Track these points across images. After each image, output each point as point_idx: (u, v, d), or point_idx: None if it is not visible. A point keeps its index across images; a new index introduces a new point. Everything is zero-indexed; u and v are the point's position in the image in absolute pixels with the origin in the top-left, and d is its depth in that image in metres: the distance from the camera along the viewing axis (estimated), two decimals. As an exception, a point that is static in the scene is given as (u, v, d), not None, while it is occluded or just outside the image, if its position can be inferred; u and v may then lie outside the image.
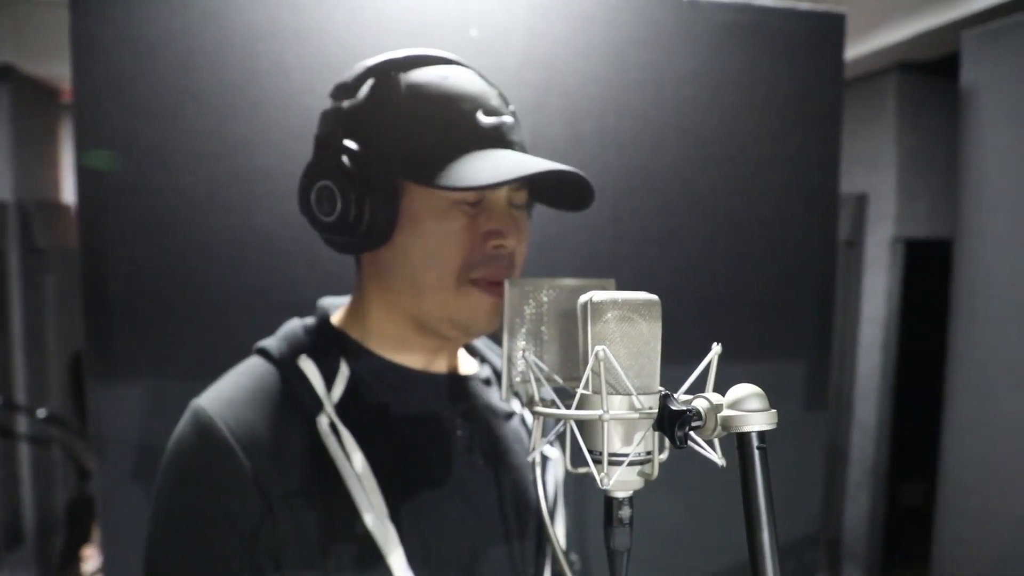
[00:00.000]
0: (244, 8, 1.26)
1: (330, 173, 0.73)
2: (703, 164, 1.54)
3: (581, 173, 0.72)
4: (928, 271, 2.53)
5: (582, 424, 0.57)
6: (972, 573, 1.81)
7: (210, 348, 1.30)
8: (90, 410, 1.29)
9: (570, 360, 0.71)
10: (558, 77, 1.42)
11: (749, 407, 0.48)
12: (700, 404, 0.50)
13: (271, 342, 0.82)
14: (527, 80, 1.40)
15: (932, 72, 2.53)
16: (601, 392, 0.54)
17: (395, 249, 0.76)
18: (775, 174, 1.61)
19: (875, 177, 2.70)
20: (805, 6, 1.59)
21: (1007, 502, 1.70)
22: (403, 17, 1.33)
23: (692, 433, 0.50)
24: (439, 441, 0.81)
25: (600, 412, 0.53)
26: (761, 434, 0.48)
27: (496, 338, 0.80)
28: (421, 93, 0.74)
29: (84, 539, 2.93)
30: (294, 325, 0.85)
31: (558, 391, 0.63)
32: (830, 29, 1.62)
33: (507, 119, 0.76)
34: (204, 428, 0.74)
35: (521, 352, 0.70)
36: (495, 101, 0.77)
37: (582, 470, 0.57)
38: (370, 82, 0.76)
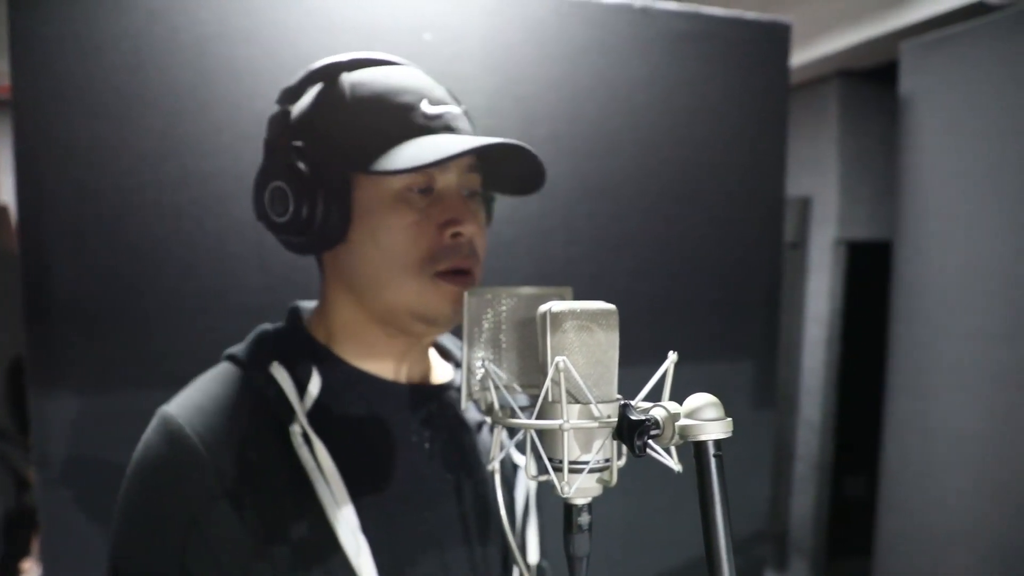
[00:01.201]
0: (193, 8, 1.24)
1: (281, 174, 0.74)
2: (655, 169, 1.57)
3: (526, 146, 0.73)
4: (870, 272, 2.62)
5: (542, 433, 0.58)
6: (912, 563, 1.88)
7: (158, 356, 1.27)
8: (32, 419, 1.25)
9: (529, 368, 0.71)
10: (512, 82, 1.43)
11: (706, 416, 0.49)
12: (658, 413, 0.52)
13: (241, 348, 0.81)
14: (481, 85, 1.40)
15: (872, 80, 2.62)
16: (561, 402, 0.55)
17: (352, 246, 0.76)
18: (724, 178, 1.65)
19: (818, 181, 2.78)
20: (752, 16, 1.63)
21: (944, 496, 1.77)
22: (356, 20, 1.32)
23: (650, 442, 0.51)
24: (409, 452, 0.81)
25: (560, 422, 0.54)
26: (717, 442, 0.49)
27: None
28: (365, 89, 0.75)
29: (23, 552, 2.82)
30: (264, 330, 0.83)
31: (518, 399, 0.64)
32: (776, 38, 1.66)
33: (453, 108, 0.76)
34: (173, 435, 0.72)
35: (480, 361, 0.71)
36: (440, 93, 0.78)
37: (542, 478, 0.58)
38: (315, 84, 0.76)
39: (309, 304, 0.88)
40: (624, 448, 0.56)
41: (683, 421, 0.50)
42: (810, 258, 2.86)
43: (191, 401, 0.76)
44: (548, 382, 0.56)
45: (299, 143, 0.73)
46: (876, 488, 2.00)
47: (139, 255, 1.25)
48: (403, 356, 0.83)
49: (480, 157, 0.78)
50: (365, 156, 0.72)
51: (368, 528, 0.74)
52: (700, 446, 0.49)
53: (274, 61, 1.28)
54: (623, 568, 1.63)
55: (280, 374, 0.77)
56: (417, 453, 0.81)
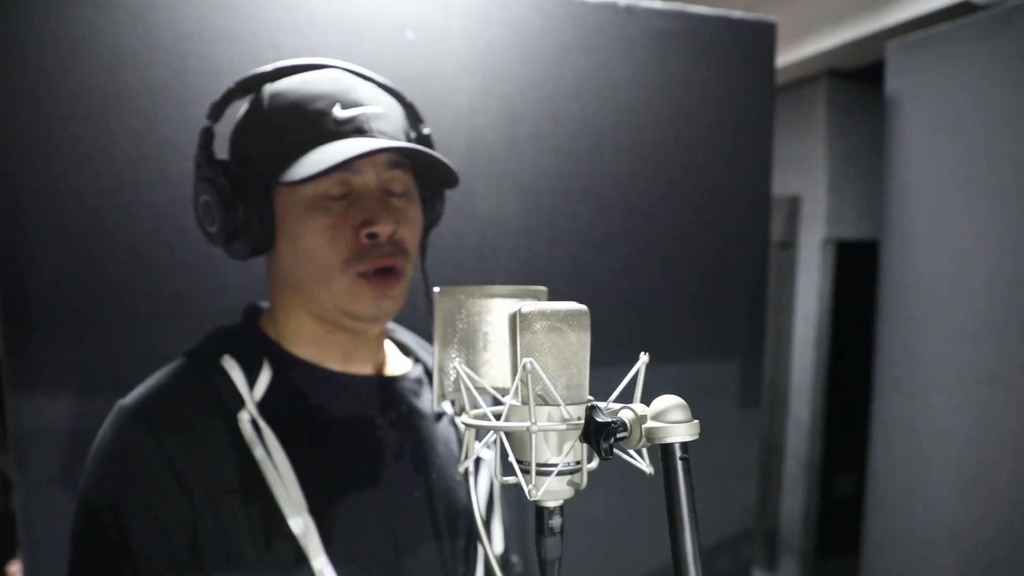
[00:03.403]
0: (173, 7, 1.23)
1: (207, 188, 0.77)
2: (639, 168, 1.57)
3: (419, 148, 0.74)
4: (858, 272, 2.62)
5: (511, 435, 0.57)
6: (899, 562, 1.88)
7: (136, 357, 1.26)
8: (9, 423, 1.23)
9: (502, 368, 0.71)
10: (495, 82, 1.42)
11: (672, 419, 0.49)
12: (625, 415, 0.51)
13: (195, 344, 0.85)
14: (464, 85, 1.39)
15: (860, 79, 2.62)
16: (530, 404, 0.54)
17: (279, 252, 0.80)
18: (709, 178, 1.65)
19: (807, 180, 2.78)
20: (738, 14, 1.63)
21: (931, 495, 1.77)
22: (336, 19, 1.31)
23: (618, 444, 0.51)
24: (360, 442, 0.82)
25: (528, 424, 0.54)
26: (684, 445, 0.49)
27: (430, 337, 0.80)
28: (281, 100, 0.77)
29: (9, 554, 2.80)
30: (219, 327, 0.88)
31: (491, 399, 0.63)
32: (762, 37, 1.66)
33: (365, 110, 0.76)
34: (126, 426, 0.76)
35: (452, 361, 0.70)
36: (357, 95, 0.77)
37: (510, 480, 0.58)
38: (237, 98, 0.80)
39: (263, 303, 0.90)
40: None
41: (649, 423, 0.49)
42: (799, 257, 2.87)
43: (145, 392, 0.80)
44: (517, 383, 0.55)
45: (222, 157, 0.78)
46: (865, 485, 2.00)
47: (117, 256, 1.24)
48: (351, 349, 0.85)
49: (406, 155, 0.78)
50: (279, 166, 0.74)
51: (316, 511, 0.75)
52: (667, 448, 0.48)
53: (254, 60, 1.27)
54: (605, 569, 1.62)
55: (230, 365, 0.80)
56: (369, 443, 0.82)
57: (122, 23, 1.21)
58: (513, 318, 0.56)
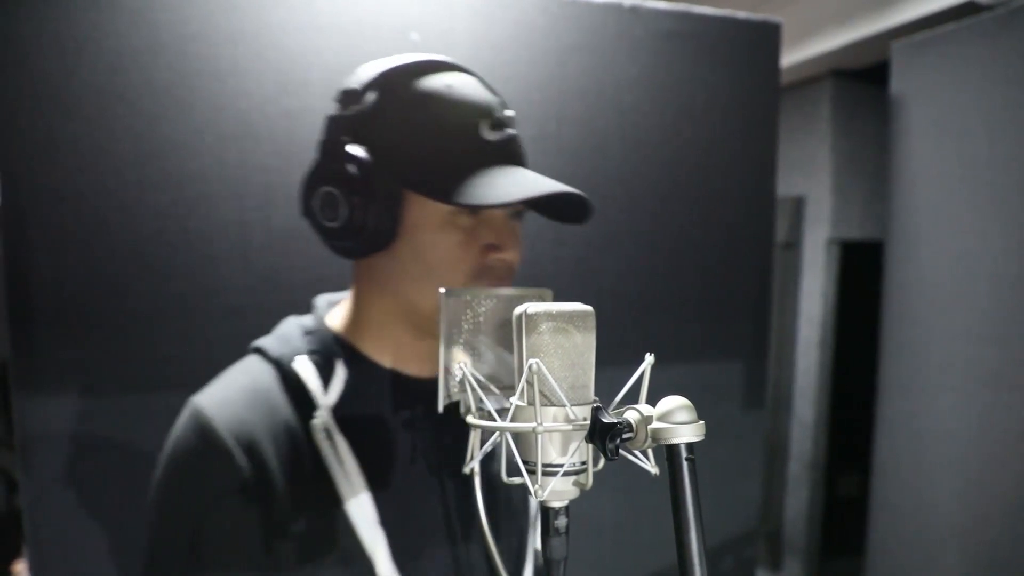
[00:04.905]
0: (175, 8, 1.23)
1: (334, 179, 0.75)
2: (644, 169, 1.56)
3: (583, 194, 0.74)
4: (863, 272, 2.62)
5: (517, 435, 0.57)
6: (903, 563, 1.87)
7: (141, 358, 1.26)
8: (15, 423, 1.24)
9: (507, 369, 0.71)
10: (499, 82, 1.41)
11: (678, 419, 0.49)
12: (631, 416, 0.51)
13: (268, 341, 0.84)
14: (469, 84, 1.39)
15: (865, 79, 2.61)
16: (535, 405, 0.54)
17: (394, 257, 0.78)
18: (714, 178, 1.64)
19: (811, 181, 2.77)
20: (743, 15, 1.63)
21: (935, 496, 1.77)
22: (341, 19, 1.31)
23: (623, 444, 0.51)
24: (429, 446, 0.82)
25: (534, 424, 0.53)
26: (689, 445, 0.48)
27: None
28: (427, 103, 0.75)
29: (15, 554, 2.81)
30: (291, 325, 0.86)
31: (496, 400, 0.63)
32: (766, 37, 1.66)
33: (510, 132, 0.78)
34: (201, 427, 0.77)
35: (458, 362, 0.70)
36: (498, 112, 0.78)
37: (516, 480, 0.57)
38: (376, 89, 0.76)
39: (334, 296, 0.89)
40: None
41: (655, 424, 0.49)
42: (804, 258, 2.86)
43: (219, 393, 0.81)
44: (522, 384, 0.55)
45: (357, 151, 0.74)
46: (869, 486, 2.00)
47: (121, 257, 1.24)
48: (429, 356, 0.83)
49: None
50: (430, 181, 0.73)
51: (385, 521, 0.75)
52: (672, 449, 0.48)
53: (257, 61, 1.27)
54: (611, 569, 1.62)
55: (304, 367, 0.78)
56: (437, 449, 0.82)
57: (125, 23, 1.21)
58: (519, 319, 0.56)
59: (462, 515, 0.84)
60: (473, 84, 0.79)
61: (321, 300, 0.87)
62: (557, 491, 0.56)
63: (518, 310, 0.56)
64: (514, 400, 0.57)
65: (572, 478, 0.56)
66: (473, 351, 0.70)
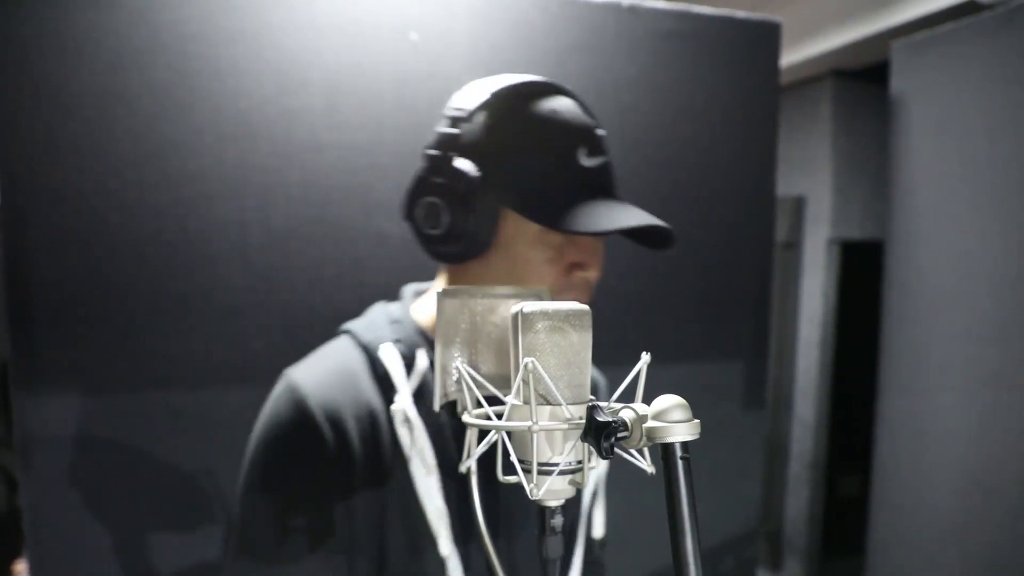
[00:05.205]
0: (175, 8, 1.23)
1: (439, 191, 0.79)
2: (643, 169, 1.56)
3: (670, 228, 0.81)
4: (863, 272, 2.62)
5: (513, 434, 0.57)
6: (904, 562, 1.87)
7: (141, 357, 1.27)
8: (15, 422, 1.24)
9: (504, 368, 0.71)
10: (499, 81, 1.42)
11: (672, 418, 0.49)
12: (626, 415, 0.51)
13: (358, 326, 0.88)
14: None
15: (865, 79, 2.61)
16: (531, 403, 0.54)
17: (485, 265, 0.82)
18: (714, 178, 1.64)
19: (812, 180, 2.77)
20: (742, 15, 1.63)
21: (936, 495, 1.77)
22: (340, 20, 1.31)
23: (618, 443, 0.51)
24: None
25: (529, 423, 0.53)
26: (684, 444, 0.48)
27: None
28: (533, 126, 0.80)
29: (15, 553, 2.81)
30: (378, 312, 0.92)
31: (493, 399, 0.63)
32: (766, 37, 1.66)
33: (605, 160, 0.83)
34: (296, 403, 0.80)
35: (455, 360, 0.70)
36: (596, 140, 0.83)
37: (511, 479, 0.57)
38: (487, 109, 0.81)
39: (418, 287, 0.93)
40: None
41: (650, 423, 0.49)
42: (804, 258, 2.86)
43: (314, 370, 0.84)
44: (518, 383, 0.55)
45: (465, 167, 0.78)
46: (870, 486, 2.00)
47: (121, 256, 1.24)
48: None
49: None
50: (524, 197, 0.78)
51: (449, 504, 0.82)
52: (667, 448, 0.48)
53: (257, 61, 1.28)
54: (611, 569, 1.62)
55: (390, 354, 0.84)
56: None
57: (125, 24, 1.21)
58: (515, 318, 0.56)
59: (519, 503, 0.89)
60: (575, 110, 0.84)
61: (408, 290, 0.95)
62: (553, 490, 0.56)
63: (514, 309, 0.56)
64: (510, 399, 0.57)
65: (568, 477, 0.56)
66: (471, 350, 0.70)
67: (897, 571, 1.90)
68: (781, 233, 2.87)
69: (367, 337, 0.86)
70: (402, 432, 0.80)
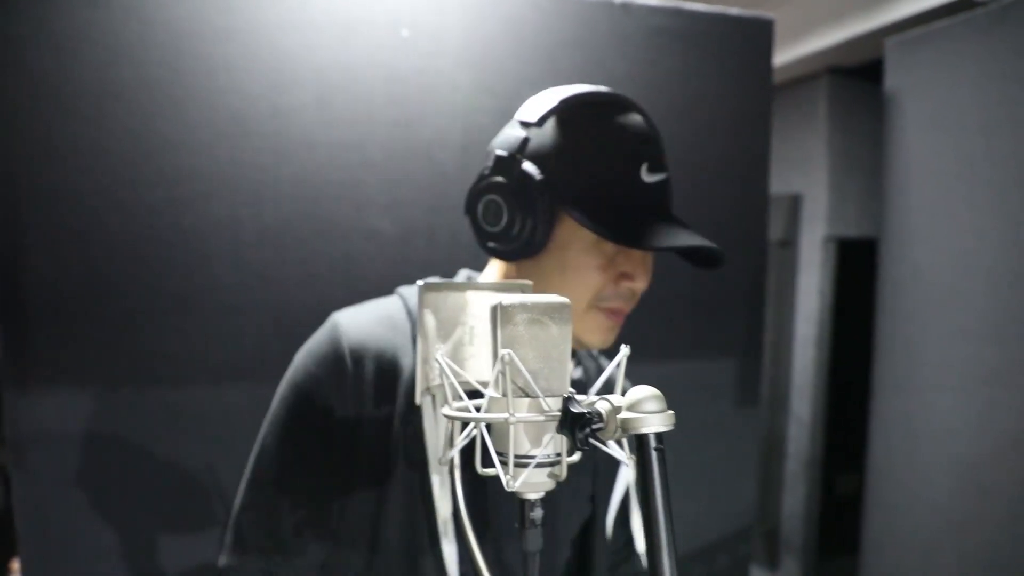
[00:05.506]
0: (168, 5, 1.23)
1: (503, 192, 0.81)
2: (636, 166, 1.56)
3: (721, 250, 0.82)
4: (860, 270, 2.61)
5: (492, 427, 0.57)
6: (899, 561, 1.87)
7: (134, 354, 1.27)
8: (6, 419, 1.24)
9: (487, 362, 0.71)
10: (490, 79, 1.42)
11: (647, 409, 0.49)
12: (602, 406, 0.51)
13: (410, 291, 0.91)
14: (459, 82, 1.39)
15: (861, 77, 2.61)
16: (507, 395, 0.54)
17: (538, 266, 0.84)
18: (707, 175, 1.64)
19: (808, 178, 2.77)
20: (735, 11, 1.63)
21: (930, 494, 1.77)
22: (333, 17, 1.31)
23: (594, 435, 0.51)
24: None
25: (506, 415, 0.54)
26: (659, 435, 0.49)
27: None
28: (600, 139, 0.82)
29: (12, 550, 2.82)
30: (432, 278, 0.92)
31: (478, 394, 0.63)
32: (759, 34, 1.66)
33: (664, 177, 0.85)
34: (332, 339, 0.84)
35: (436, 353, 0.70)
36: (657, 157, 0.85)
37: (489, 472, 0.58)
38: (556, 116, 0.83)
39: (471, 274, 0.98)
40: (578, 443, 0.56)
41: (624, 414, 0.49)
42: (801, 256, 2.86)
43: (358, 315, 0.87)
44: (497, 375, 0.55)
45: (531, 170, 0.80)
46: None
47: (114, 254, 1.25)
48: None
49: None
50: (585, 206, 0.80)
51: (463, 488, 0.81)
52: (641, 439, 0.48)
53: (250, 58, 1.28)
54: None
55: (431, 323, 0.84)
56: None
57: (118, 21, 1.22)
58: (494, 311, 0.56)
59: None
60: (642, 125, 0.86)
61: (461, 274, 0.98)
62: (531, 483, 0.56)
63: (493, 302, 0.57)
64: (489, 391, 0.57)
65: (547, 470, 0.56)
66: (452, 343, 0.71)
67: (892, 570, 1.90)
68: (777, 231, 2.87)
69: (415, 301, 0.87)
70: (426, 410, 0.82)
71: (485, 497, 0.86)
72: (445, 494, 0.82)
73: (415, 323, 0.85)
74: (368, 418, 0.82)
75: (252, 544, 0.86)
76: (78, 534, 1.28)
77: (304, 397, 0.84)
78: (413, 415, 0.82)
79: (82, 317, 1.25)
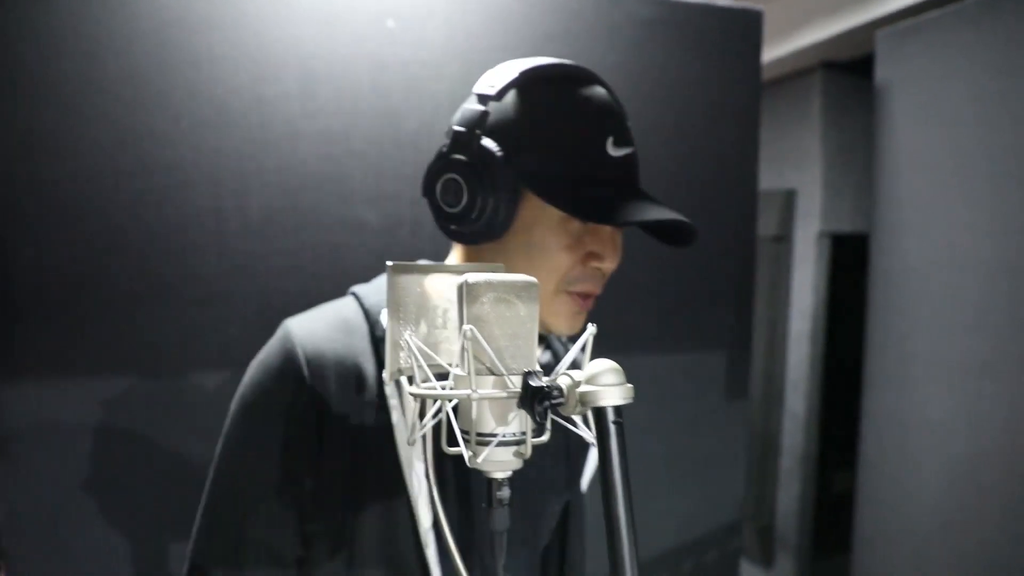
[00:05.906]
0: (150, -6, 1.23)
1: (461, 169, 0.77)
2: (624, 157, 1.56)
3: (693, 225, 0.80)
4: (854, 265, 2.61)
5: (458, 405, 0.57)
6: (891, 556, 1.87)
7: (117, 345, 1.26)
8: (-9, 410, 1.24)
9: (457, 344, 0.71)
10: (476, 70, 1.40)
11: (605, 382, 0.48)
12: (562, 381, 0.51)
13: (364, 290, 0.86)
14: (444, 73, 1.39)
15: (855, 71, 2.60)
16: (469, 371, 0.54)
17: (502, 249, 0.81)
18: (695, 168, 1.64)
19: (802, 174, 2.77)
20: (724, 3, 1.62)
21: (922, 489, 1.76)
22: (318, 7, 1.31)
23: (554, 409, 0.51)
24: None
25: (469, 392, 0.53)
26: (617, 408, 0.48)
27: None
28: (563, 112, 0.78)
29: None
30: (386, 279, 0.90)
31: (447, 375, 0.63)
32: (748, 26, 1.65)
33: (630, 151, 0.82)
34: (287, 352, 0.79)
35: (406, 334, 0.70)
36: (624, 130, 0.82)
37: (454, 450, 0.57)
38: (516, 88, 0.79)
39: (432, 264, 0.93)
40: (547, 423, 0.55)
41: (583, 388, 0.49)
42: (795, 251, 2.85)
43: (312, 322, 0.82)
44: (461, 352, 0.55)
45: (490, 146, 0.76)
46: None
47: (97, 244, 1.24)
48: None
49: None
50: (548, 182, 0.76)
51: (439, 480, 0.79)
52: (599, 412, 0.48)
53: (234, 48, 1.28)
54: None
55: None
56: None
57: (102, 10, 1.21)
58: (460, 289, 0.56)
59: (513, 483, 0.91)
60: (606, 98, 0.83)
61: (421, 264, 0.92)
62: (496, 461, 0.56)
63: (459, 280, 0.56)
64: (454, 369, 0.57)
65: (512, 448, 0.56)
66: (422, 326, 0.70)
67: (884, 565, 1.89)
68: (771, 226, 2.86)
69: (371, 300, 0.84)
70: (391, 401, 0.79)
71: (471, 507, 0.83)
72: (424, 502, 0.78)
73: (373, 324, 0.81)
74: (333, 432, 0.78)
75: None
76: (61, 526, 1.27)
77: (260, 416, 0.79)
78: (381, 423, 0.78)
79: (65, 308, 1.24)
